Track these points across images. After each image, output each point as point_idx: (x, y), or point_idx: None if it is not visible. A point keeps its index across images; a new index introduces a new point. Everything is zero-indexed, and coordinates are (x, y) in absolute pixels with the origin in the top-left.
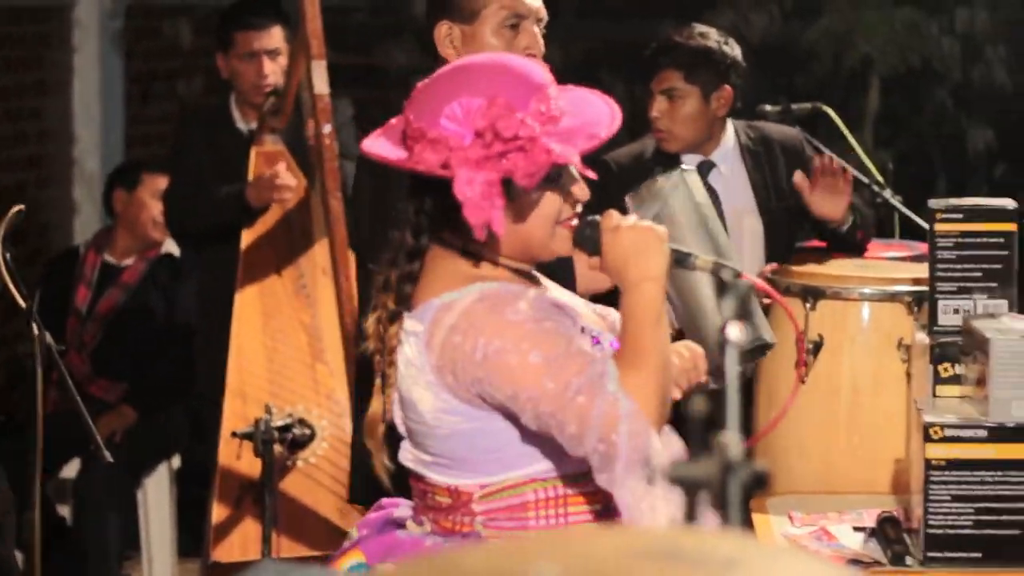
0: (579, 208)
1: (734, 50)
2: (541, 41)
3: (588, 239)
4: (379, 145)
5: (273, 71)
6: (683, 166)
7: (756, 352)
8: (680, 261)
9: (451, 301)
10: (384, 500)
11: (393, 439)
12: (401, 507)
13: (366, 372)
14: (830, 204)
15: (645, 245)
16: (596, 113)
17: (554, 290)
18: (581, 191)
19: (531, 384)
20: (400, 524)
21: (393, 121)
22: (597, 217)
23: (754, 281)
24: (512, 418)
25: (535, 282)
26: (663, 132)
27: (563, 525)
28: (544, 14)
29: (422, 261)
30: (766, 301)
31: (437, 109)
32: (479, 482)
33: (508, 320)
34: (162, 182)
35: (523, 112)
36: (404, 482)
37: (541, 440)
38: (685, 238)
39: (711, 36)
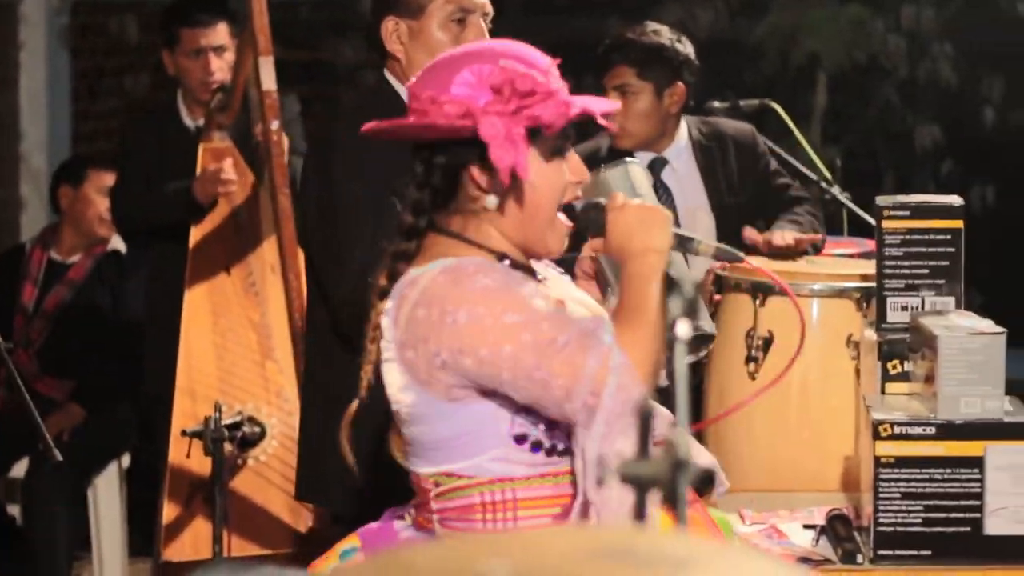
0: (578, 191)
1: (687, 48)
2: (487, 36)
3: (593, 220)
4: (391, 124)
5: (220, 67)
6: (627, 158)
7: (698, 343)
8: (682, 245)
9: (416, 276)
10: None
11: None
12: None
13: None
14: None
15: (651, 221)
16: (593, 98)
17: (552, 283)
18: (581, 171)
19: (509, 340)
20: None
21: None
22: (602, 200)
23: (757, 268)
24: (464, 403)
25: (530, 274)
26: (616, 129)
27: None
28: (490, 8)
29: (419, 243)
30: (716, 297)
31: (446, 79)
32: (432, 471)
33: (474, 287)
34: (108, 178)
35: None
36: (391, 478)
37: (491, 434)
38: None
39: (664, 33)
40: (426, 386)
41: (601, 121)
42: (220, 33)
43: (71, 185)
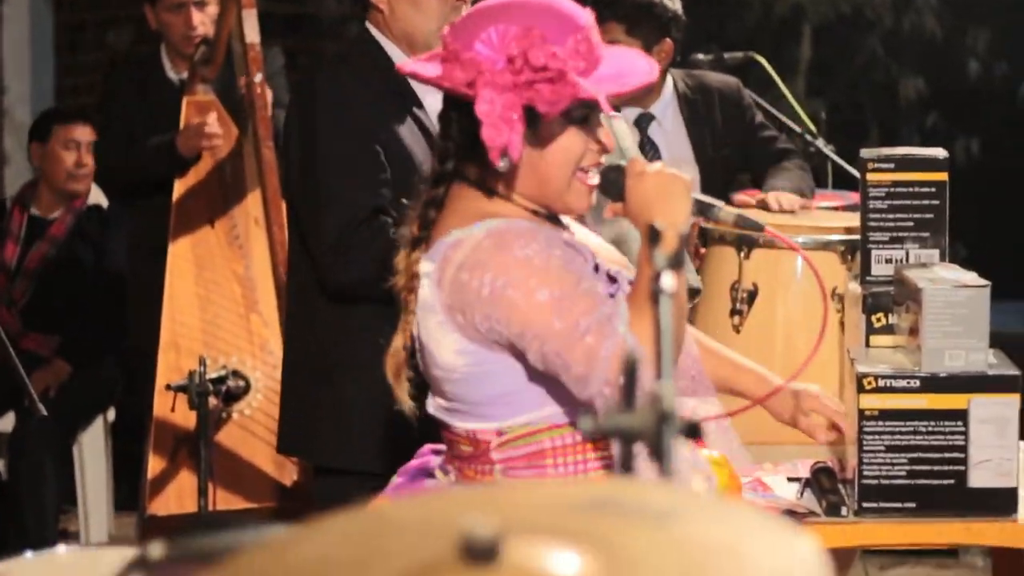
0: (603, 159)
1: (675, 3)
2: None
3: (613, 183)
4: (417, 65)
5: (202, 21)
6: (612, 113)
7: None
8: (703, 211)
9: (460, 238)
10: (426, 447)
11: (419, 379)
12: (439, 456)
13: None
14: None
15: (671, 191)
16: (632, 65)
17: (578, 233)
18: (607, 138)
19: (538, 322)
20: (432, 473)
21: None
22: (622, 162)
23: (776, 234)
24: (522, 358)
25: (557, 224)
26: None
27: (582, 472)
28: None
29: (447, 188)
30: (702, 251)
31: (474, 33)
32: (495, 427)
33: (515, 256)
34: (75, 131)
35: (559, 47)
36: (431, 432)
37: (554, 383)
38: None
39: None
40: (486, 345)
41: (606, 109)
42: None
43: (40, 141)
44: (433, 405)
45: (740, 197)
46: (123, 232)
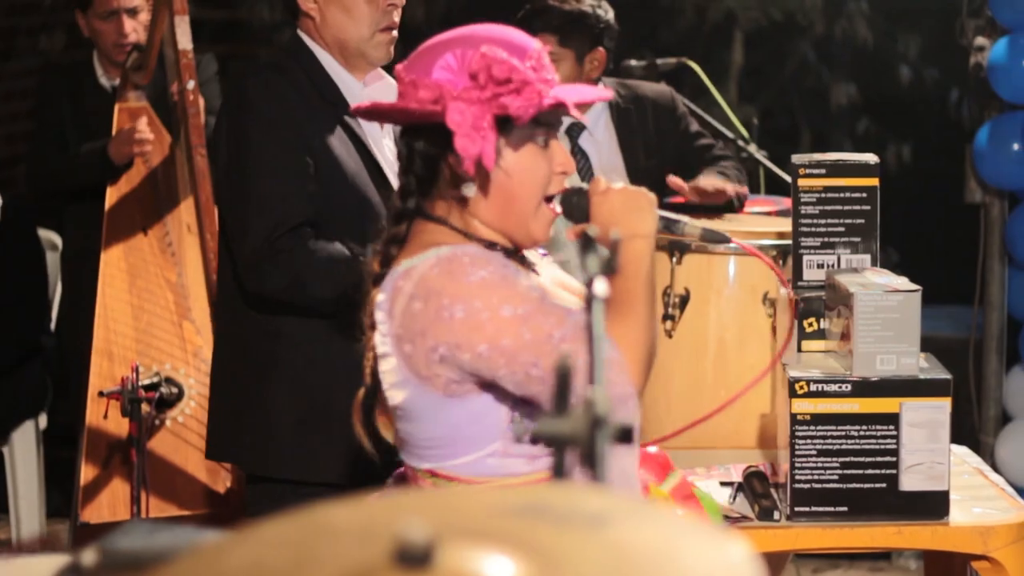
0: (565, 183)
1: (607, 13)
2: None
3: (576, 206)
4: (373, 100)
5: (134, 28)
6: (578, 116)
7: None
8: (669, 227)
9: (409, 268)
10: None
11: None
12: None
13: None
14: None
15: (636, 205)
16: (582, 88)
17: (543, 272)
18: (568, 162)
19: (506, 337)
20: None
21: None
22: (584, 184)
23: (744, 246)
24: (463, 401)
25: (520, 261)
26: None
27: None
28: None
29: (410, 225)
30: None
31: (430, 62)
32: (428, 467)
33: (472, 280)
34: None
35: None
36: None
37: (491, 425)
38: None
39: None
40: (425, 381)
41: (574, 113)
42: None
43: None
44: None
45: (672, 179)
46: (30, 229)
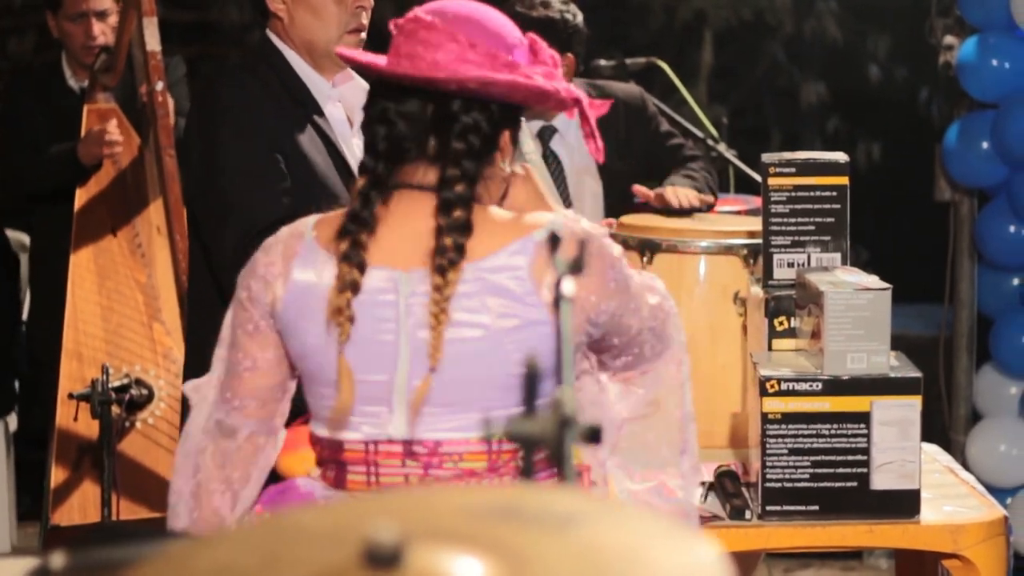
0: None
1: (576, 17)
2: None
3: None
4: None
5: (103, 31)
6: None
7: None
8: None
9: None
10: None
11: None
12: None
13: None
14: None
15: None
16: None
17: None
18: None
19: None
20: None
21: None
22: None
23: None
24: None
25: None
26: None
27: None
28: None
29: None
30: None
31: (507, 38)
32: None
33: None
34: None
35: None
36: None
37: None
38: None
39: (553, 5)
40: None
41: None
42: None
43: None
44: None
45: (637, 188)
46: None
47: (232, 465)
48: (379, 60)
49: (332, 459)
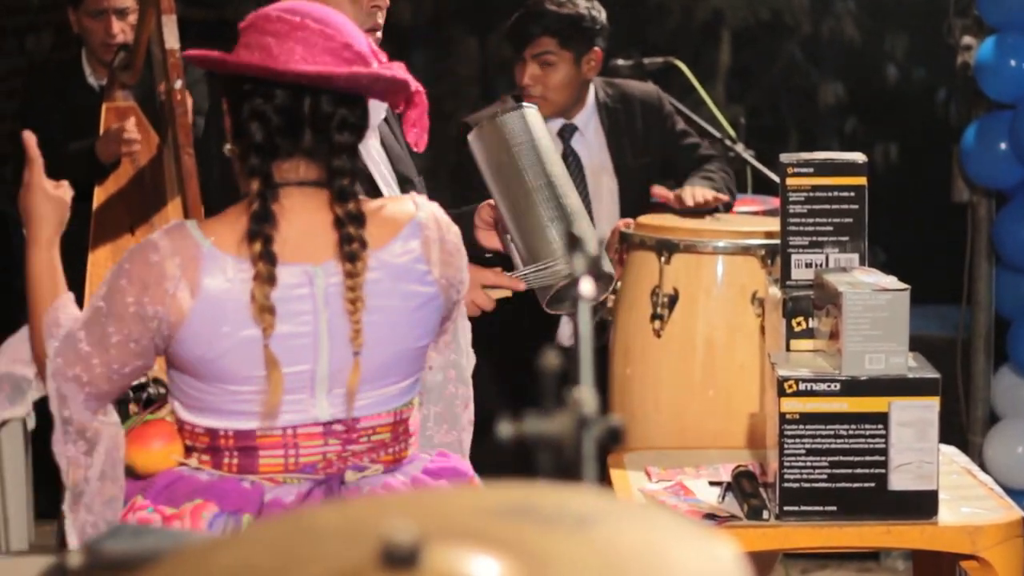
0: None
1: (601, 14)
2: None
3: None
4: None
5: (122, 29)
6: (523, 103)
7: (598, 280)
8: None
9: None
10: None
11: None
12: None
13: None
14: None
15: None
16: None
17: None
18: None
19: None
20: None
21: None
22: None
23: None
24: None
25: None
26: (536, 99)
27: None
28: None
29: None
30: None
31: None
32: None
33: None
34: None
35: None
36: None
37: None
38: (524, 174)
39: (579, 2)
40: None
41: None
42: None
43: None
44: None
45: (656, 190)
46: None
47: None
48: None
49: (237, 447)
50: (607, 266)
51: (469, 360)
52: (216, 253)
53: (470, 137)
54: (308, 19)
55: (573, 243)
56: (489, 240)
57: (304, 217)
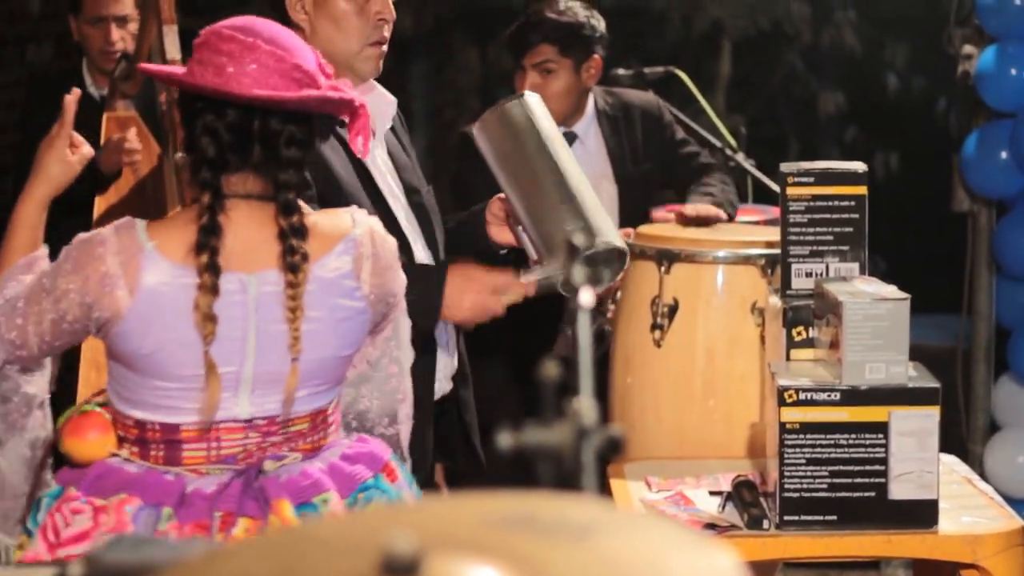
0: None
1: (600, 22)
2: (391, 6)
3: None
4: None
5: (122, 37)
6: (526, 92)
7: (611, 258)
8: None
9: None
10: None
11: None
12: None
13: None
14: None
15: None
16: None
17: None
18: None
19: None
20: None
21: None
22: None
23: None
24: None
25: None
26: None
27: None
28: None
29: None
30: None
31: (302, 48)
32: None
33: None
34: None
35: None
36: None
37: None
38: (531, 162)
39: (578, 10)
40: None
41: None
42: (123, 3)
43: None
44: None
45: (659, 214)
46: None
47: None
48: (202, 75)
49: (163, 440)
50: (619, 241)
51: (408, 355)
52: (156, 256)
53: (475, 131)
54: (259, 39)
55: (572, 252)
56: (502, 235)
57: (248, 229)
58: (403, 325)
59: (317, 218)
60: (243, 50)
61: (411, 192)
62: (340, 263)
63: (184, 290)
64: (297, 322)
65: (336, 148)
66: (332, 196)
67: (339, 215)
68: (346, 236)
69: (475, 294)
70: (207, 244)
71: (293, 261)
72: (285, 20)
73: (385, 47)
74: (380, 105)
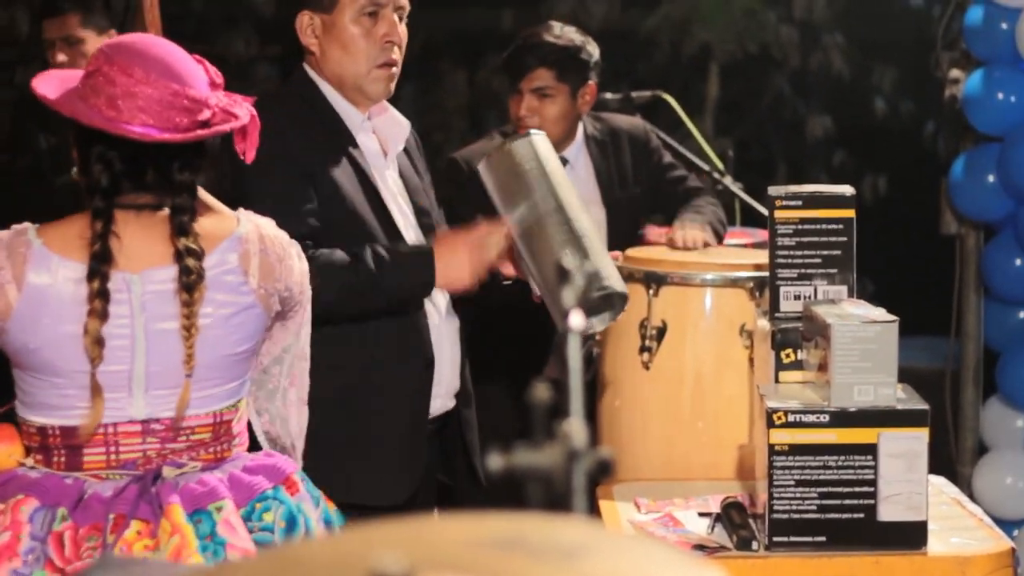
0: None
1: (595, 48)
2: (401, 29)
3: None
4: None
5: (71, 58)
6: (532, 130)
7: (610, 301)
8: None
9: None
10: None
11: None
12: None
13: None
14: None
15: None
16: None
17: None
18: None
19: None
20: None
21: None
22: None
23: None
24: None
25: None
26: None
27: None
28: (405, 3)
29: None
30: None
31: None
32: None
33: None
34: None
35: None
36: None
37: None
38: (535, 200)
39: (574, 34)
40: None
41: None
42: (67, 24)
43: None
44: None
45: (652, 234)
46: None
47: None
48: (88, 106)
49: (64, 444)
50: (621, 286)
51: (306, 363)
52: (44, 252)
53: (480, 167)
54: (153, 73)
55: (563, 275)
56: (507, 268)
57: (136, 232)
58: (304, 336)
59: (202, 220)
60: (135, 84)
61: (421, 214)
62: (225, 259)
63: (69, 284)
64: (192, 339)
65: (345, 167)
66: (339, 215)
67: (225, 216)
68: (231, 234)
69: (464, 254)
70: (97, 271)
71: (188, 282)
72: (298, 45)
73: (396, 69)
74: (392, 127)
